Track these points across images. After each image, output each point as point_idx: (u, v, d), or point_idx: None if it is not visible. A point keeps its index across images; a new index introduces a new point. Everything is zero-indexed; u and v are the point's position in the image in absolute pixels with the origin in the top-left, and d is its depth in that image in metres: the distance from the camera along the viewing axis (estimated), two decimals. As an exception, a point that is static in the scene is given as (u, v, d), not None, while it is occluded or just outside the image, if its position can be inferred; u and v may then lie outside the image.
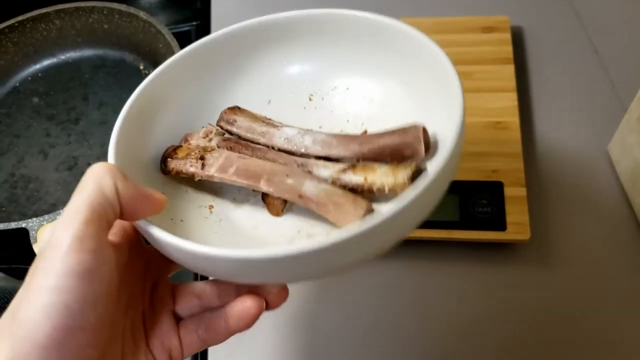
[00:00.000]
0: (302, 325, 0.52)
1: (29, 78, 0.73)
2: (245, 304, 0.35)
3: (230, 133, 0.44)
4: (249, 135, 0.44)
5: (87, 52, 0.75)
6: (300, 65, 0.47)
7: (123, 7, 0.70)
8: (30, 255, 0.53)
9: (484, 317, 0.51)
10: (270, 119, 0.45)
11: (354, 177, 0.39)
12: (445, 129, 0.37)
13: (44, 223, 0.54)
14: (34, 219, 0.54)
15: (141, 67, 0.72)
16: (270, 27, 0.46)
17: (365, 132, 0.44)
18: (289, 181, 0.39)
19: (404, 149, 0.39)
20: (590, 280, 0.51)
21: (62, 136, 0.67)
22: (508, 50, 0.63)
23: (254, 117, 0.45)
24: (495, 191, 0.54)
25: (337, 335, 0.51)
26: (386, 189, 0.37)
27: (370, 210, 0.37)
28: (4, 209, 0.62)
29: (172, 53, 0.65)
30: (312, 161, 0.41)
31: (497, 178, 0.55)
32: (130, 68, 0.73)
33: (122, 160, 0.37)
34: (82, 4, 0.71)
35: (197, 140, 0.44)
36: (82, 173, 0.61)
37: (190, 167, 0.41)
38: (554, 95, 0.63)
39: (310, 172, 0.40)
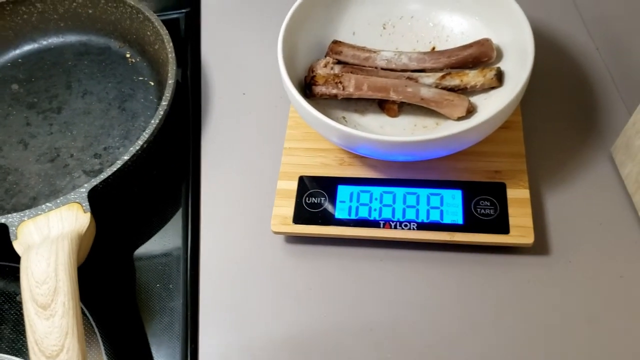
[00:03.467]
0: (300, 326, 0.50)
1: (8, 64, 0.70)
2: None
3: (340, 61, 0.58)
4: (356, 62, 0.58)
5: (70, 38, 0.71)
6: (371, 3, 0.61)
7: (110, -9, 0.66)
8: (10, 253, 0.50)
9: (486, 320, 0.49)
10: (364, 47, 0.59)
11: (452, 81, 0.55)
12: (504, 41, 0.56)
13: (25, 219, 0.51)
14: (14, 214, 0.51)
15: (127, 55, 0.69)
16: None
17: (434, 48, 0.60)
18: (409, 89, 0.54)
19: (481, 57, 0.56)
20: (594, 285, 0.50)
21: (43, 126, 0.64)
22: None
23: (353, 47, 0.59)
24: (498, 192, 0.52)
25: (336, 336, 0.49)
26: (478, 86, 0.54)
27: (470, 102, 0.54)
28: (-20, 202, 0.59)
29: (161, 41, 0.63)
30: (416, 74, 0.57)
31: (500, 179, 0.53)
32: (115, 56, 0.69)
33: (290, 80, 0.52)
34: (66, -13, 0.68)
35: (321, 70, 0.57)
36: (64, 166, 0.60)
37: (333, 89, 0.55)
38: (556, 94, 0.61)
39: (417, 81, 0.55)
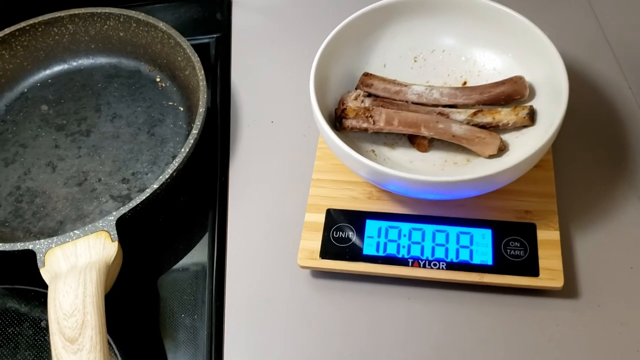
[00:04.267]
0: (322, 366, 0.50)
1: (38, 84, 0.70)
2: None
3: (370, 94, 0.58)
4: (386, 95, 0.57)
5: (101, 60, 0.71)
6: (403, 36, 0.61)
7: (142, 16, 0.67)
8: (36, 278, 0.50)
9: (513, 365, 0.48)
10: (395, 80, 0.59)
11: (484, 118, 0.55)
12: (536, 79, 0.56)
13: (53, 246, 0.51)
14: (42, 240, 0.51)
15: (157, 79, 0.69)
16: (386, 7, 0.59)
17: (465, 83, 0.60)
18: (440, 125, 0.54)
19: (514, 94, 0.55)
20: (624, 330, 0.49)
21: (71, 148, 0.64)
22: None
23: (384, 80, 0.58)
24: (529, 233, 0.52)
25: (359, 379, 0.49)
26: (510, 124, 0.54)
27: (502, 140, 0.53)
28: (7, 224, 0.59)
29: (192, 67, 0.63)
30: (448, 109, 0.56)
31: (531, 219, 0.53)
32: (145, 79, 0.69)
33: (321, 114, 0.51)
34: (99, 10, 0.68)
35: (351, 103, 0.56)
36: (92, 190, 0.60)
37: (363, 123, 0.54)
38: (587, 133, 0.61)
39: (448, 117, 0.55)
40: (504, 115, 0.54)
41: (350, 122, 0.55)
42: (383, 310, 0.52)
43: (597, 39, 0.68)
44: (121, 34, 0.70)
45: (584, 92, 0.64)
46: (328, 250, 0.53)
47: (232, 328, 0.52)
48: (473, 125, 0.55)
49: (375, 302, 0.52)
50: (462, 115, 0.55)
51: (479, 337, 0.50)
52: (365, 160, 0.49)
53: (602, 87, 0.64)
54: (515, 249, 0.51)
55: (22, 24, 0.68)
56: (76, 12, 0.69)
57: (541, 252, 0.51)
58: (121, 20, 0.68)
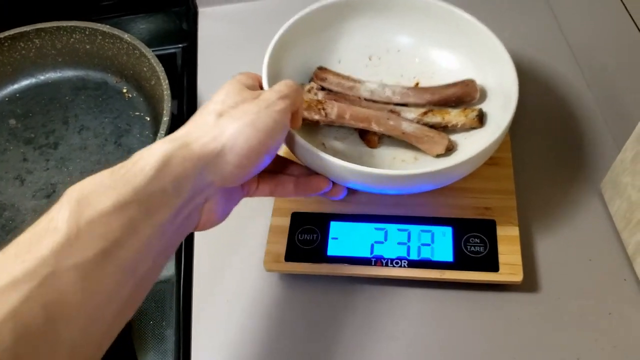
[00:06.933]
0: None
1: (6, 99, 0.71)
2: (320, 183, 0.50)
3: (324, 88, 0.58)
4: (340, 90, 0.58)
5: (68, 73, 0.72)
6: (359, 33, 0.62)
7: (106, 28, 0.67)
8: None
9: (476, 358, 0.49)
10: (349, 76, 0.59)
11: (434, 118, 0.55)
12: (489, 82, 0.57)
13: (20, 257, 0.51)
14: (9, 252, 0.51)
15: (124, 90, 0.70)
16: (341, 4, 0.59)
17: (417, 84, 0.60)
18: (391, 122, 0.55)
19: (464, 96, 0.56)
20: (582, 322, 0.50)
21: (40, 161, 0.65)
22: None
23: (338, 75, 0.59)
24: (488, 229, 0.53)
25: (325, 378, 0.50)
26: (459, 125, 0.55)
27: (450, 140, 0.54)
28: (-24, 238, 0.59)
29: (157, 77, 0.64)
30: (399, 107, 0.57)
31: (490, 216, 0.54)
32: (112, 91, 0.70)
33: None
34: (64, 24, 0.69)
35: (305, 95, 0.56)
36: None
37: (315, 115, 0.55)
38: (547, 130, 0.62)
39: (399, 115, 0.56)
40: (454, 116, 0.55)
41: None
42: (348, 309, 0.53)
43: (556, 39, 0.70)
44: (87, 47, 0.70)
45: (543, 91, 0.65)
46: (293, 252, 0.54)
47: (200, 333, 0.53)
48: (423, 124, 0.56)
49: (340, 302, 0.53)
50: (412, 114, 0.56)
51: (441, 333, 0.51)
52: (312, 147, 0.48)
53: (560, 86, 0.65)
54: (475, 245, 0.52)
55: (-12, 39, 0.69)
56: (42, 26, 0.69)
57: (501, 248, 0.52)
58: (87, 33, 0.69)
